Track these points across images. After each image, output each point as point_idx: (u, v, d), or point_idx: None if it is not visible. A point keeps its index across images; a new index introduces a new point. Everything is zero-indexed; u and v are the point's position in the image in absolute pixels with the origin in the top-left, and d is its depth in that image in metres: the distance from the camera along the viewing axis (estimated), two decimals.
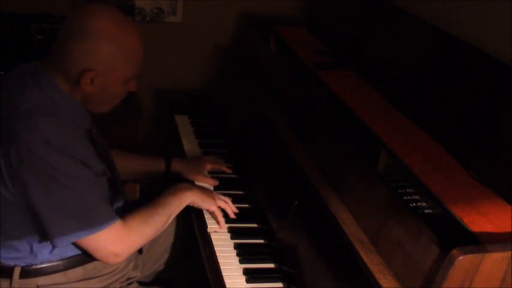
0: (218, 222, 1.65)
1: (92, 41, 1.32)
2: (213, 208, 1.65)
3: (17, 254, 1.40)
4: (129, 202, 1.61)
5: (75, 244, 1.41)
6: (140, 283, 1.75)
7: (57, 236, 1.33)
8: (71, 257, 1.45)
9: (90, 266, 1.49)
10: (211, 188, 1.82)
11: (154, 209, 1.52)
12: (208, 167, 1.90)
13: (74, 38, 1.33)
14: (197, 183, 1.83)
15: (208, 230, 1.63)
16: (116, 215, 1.42)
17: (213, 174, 1.90)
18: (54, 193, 1.30)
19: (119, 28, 1.36)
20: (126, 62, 1.38)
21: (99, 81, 1.36)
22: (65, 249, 1.43)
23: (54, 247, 1.37)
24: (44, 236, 1.35)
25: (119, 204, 1.57)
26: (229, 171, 1.93)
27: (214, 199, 1.66)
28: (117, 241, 1.41)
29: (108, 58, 1.34)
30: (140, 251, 1.69)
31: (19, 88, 1.35)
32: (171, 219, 1.56)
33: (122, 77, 1.40)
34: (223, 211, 1.68)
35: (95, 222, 1.35)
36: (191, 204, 1.63)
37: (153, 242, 1.79)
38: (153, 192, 1.61)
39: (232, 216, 1.68)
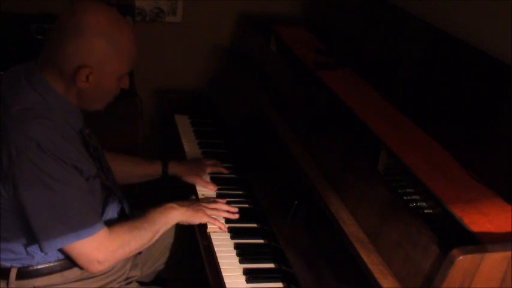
0: (219, 228, 1.63)
1: (86, 37, 1.32)
2: (205, 220, 1.62)
3: (14, 256, 1.40)
4: (124, 203, 1.61)
5: (60, 250, 1.39)
6: (140, 283, 1.75)
7: (45, 240, 1.32)
8: (68, 257, 1.44)
9: None
10: (214, 194, 1.80)
11: (141, 224, 1.50)
12: (209, 170, 1.89)
13: (67, 35, 1.33)
14: (198, 187, 1.82)
15: (208, 230, 1.63)
16: (102, 223, 1.41)
17: (213, 174, 1.90)
18: (43, 197, 1.29)
19: (112, 24, 1.36)
20: (120, 58, 1.38)
21: (94, 78, 1.36)
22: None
23: (42, 251, 1.36)
24: (34, 239, 1.34)
25: (114, 205, 1.57)
26: (227, 171, 1.92)
27: (203, 212, 1.63)
28: (101, 248, 1.39)
29: (103, 54, 1.35)
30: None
31: (12, 89, 1.35)
32: (157, 236, 1.54)
33: (116, 72, 1.40)
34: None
35: (81, 228, 1.34)
36: (182, 223, 1.61)
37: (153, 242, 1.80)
38: (153, 193, 1.61)
39: (233, 217, 1.67)
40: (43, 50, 1.38)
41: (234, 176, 1.93)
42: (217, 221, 1.64)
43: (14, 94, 1.34)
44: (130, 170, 1.82)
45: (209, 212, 1.65)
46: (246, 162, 1.94)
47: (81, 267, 1.43)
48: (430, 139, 1.49)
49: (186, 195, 1.81)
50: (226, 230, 1.63)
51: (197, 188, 1.82)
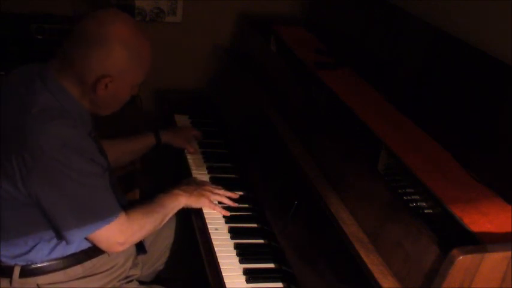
0: (220, 212, 1.70)
1: (110, 47, 1.35)
2: (206, 205, 1.70)
3: (17, 252, 1.41)
4: (125, 202, 1.62)
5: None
6: (140, 282, 1.75)
7: (72, 232, 1.37)
8: (70, 255, 1.47)
9: (88, 264, 1.51)
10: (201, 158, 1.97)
11: (154, 208, 1.59)
12: (193, 132, 2.07)
13: (91, 45, 1.35)
14: (186, 152, 1.99)
15: (209, 229, 1.63)
16: (121, 208, 1.47)
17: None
18: (70, 191, 1.34)
19: (135, 35, 1.40)
20: (139, 68, 1.43)
21: (113, 86, 1.40)
22: (65, 247, 1.45)
23: (68, 243, 1.41)
24: (57, 233, 1.39)
25: None
26: (199, 137, 2.07)
27: (206, 196, 1.70)
28: (122, 230, 1.47)
29: (124, 64, 1.38)
30: (144, 250, 1.71)
31: (28, 90, 1.37)
32: (166, 220, 1.62)
33: (134, 81, 1.46)
34: (232, 211, 1.72)
35: (106, 215, 1.41)
36: (185, 207, 1.68)
37: (153, 242, 1.81)
38: (153, 195, 1.63)
39: (234, 204, 1.73)
40: (61, 54, 1.39)
41: (234, 176, 1.93)
42: (218, 207, 1.71)
43: (31, 95, 1.36)
44: (129, 148, 1.90)
45: (212, 197, 1.71)
46: (246, 162, 1.94)
47: (105, 250, 1.49)
48: (430, 139, 1.49)
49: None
50: (228, 214, 1.70)
51: (186, 152, 2.00)
